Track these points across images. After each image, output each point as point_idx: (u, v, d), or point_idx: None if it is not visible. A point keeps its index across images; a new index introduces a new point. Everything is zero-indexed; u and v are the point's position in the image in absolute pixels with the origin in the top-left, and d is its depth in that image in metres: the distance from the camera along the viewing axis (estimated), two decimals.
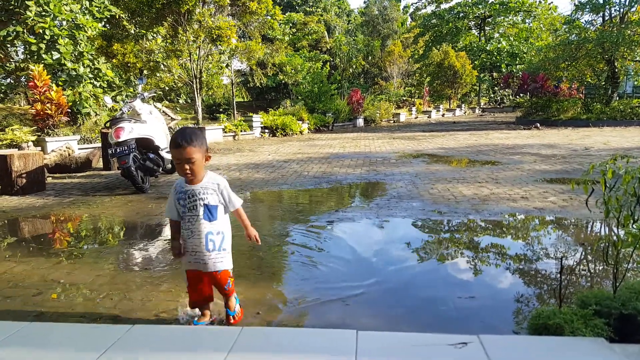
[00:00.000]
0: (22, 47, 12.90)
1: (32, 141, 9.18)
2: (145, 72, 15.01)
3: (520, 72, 27.51)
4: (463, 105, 34.66)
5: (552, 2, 36.91)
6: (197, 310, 2.48)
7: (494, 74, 38.10)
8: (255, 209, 5.24)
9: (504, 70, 35.41)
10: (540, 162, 8.02)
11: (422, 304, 2.66)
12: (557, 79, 20.45)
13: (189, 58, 14.83)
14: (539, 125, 16.42)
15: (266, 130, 15.65)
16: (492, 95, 37.40)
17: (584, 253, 3.51)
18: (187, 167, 2.22)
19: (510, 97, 30.14)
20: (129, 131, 6.00)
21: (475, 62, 34.43)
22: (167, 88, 19.89)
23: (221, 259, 2.32)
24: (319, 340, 1.98)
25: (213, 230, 2.30)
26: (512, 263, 3.30)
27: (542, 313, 2.18)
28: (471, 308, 2.57)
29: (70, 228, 4.76)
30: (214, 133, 13.60)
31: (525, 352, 1.84)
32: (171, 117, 20.00)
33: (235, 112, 19.59)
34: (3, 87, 14.13)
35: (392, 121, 23.93)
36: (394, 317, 2.49)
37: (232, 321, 2.40)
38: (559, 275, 2.61)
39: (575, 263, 3.28)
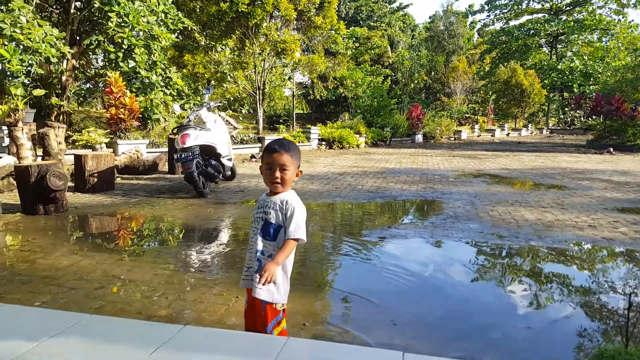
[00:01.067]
0: (102, 55, 13.91)
1: (105, 143, 9.81)
2: (212, 82, 15.68)
3: (593, 93, 26.01)
4: (530, 125, 33.12)
5: (633, 21, 34.73)
6: None
7: (565, 94, 36.22)
8: (308, 220, 5.26)
9: (575, 91, 33.63)
10: (611, 189, 7.50)
11: (474, 331, 2.54)
12: (635, 101, 19.13)
13: (253, 70, 15.33)
14: (612, 150, 15.37)
15: (323, 143, 15.79)
16: (561, 117, 35.46)
17: None
18: (277, 174, 2.03)
19: (582, 119, 28.51)
20: (194, 138, 6.27)
21: (545, 81, 32.91)
22: (231, 98, 20.63)
23: (267, 289, 1.99)
24: (363, 358, 1.94)
25: (266, 250, 2.05)
26: (575, 295, 3.09)
27: (605, 352, 2.01)
28: (528, 340, 2.43)
29: (134, 227, 5.02)
30: None
31: None
32: (234, 126, 20.70)
33: (295, 123, 19.95)
34: (83, 92, 15.28)
35: (452, 138, 23.35)
36: (444, 342, 2.41)
37: None
38: (626, 311, 2.41)
39: None
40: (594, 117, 19.69)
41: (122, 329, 2.22)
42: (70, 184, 6.68)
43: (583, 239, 4.44)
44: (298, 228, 2.03)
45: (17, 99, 8.24)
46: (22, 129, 7.19)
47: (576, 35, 36.33)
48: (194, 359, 1.91)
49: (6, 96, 9.82)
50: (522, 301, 3.00)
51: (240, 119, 22.98)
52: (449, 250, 4.10)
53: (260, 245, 2.05)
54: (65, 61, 12.20)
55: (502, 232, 4.66)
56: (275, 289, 2.03)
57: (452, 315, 2.77)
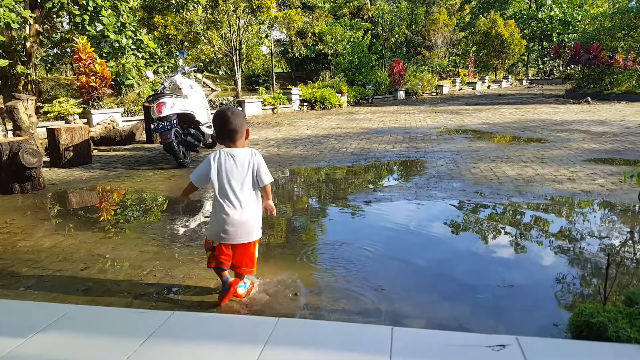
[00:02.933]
0: (67, 18, 13.25)
1: (77, 114, 9.50)
2: (185, 44, 15.15)
3: (572, 42, 25.95)
4: (510, 76, 33.10)
5: None
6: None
7: (544, 44, 36.04)
8: (292, 187, 5.26)
9: (555, 40, 33.50)
10: (589, 140, 7.62)
11: (459, 291, 2.61)
12: (612, 49, 19.15)
13: (228, 29, 14.83)
14: (590, 99, 15.51)
15: (305, 103, 15.57)
16: (541, 67, 35.45)
17: (633, 244, 3.33)
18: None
19: (561, 68, 28.54)
20: (170, 106, 6.09)
21: (525, 31, 32.65)
22: (207, 60, 20.04)
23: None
24: (354, 335, 1.97)
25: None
26: (555, 252, 3.17)
27: (584, 310, 2.09)
28: (510, 298, 2.51)
29: (115, 202, 4.94)
30: (253, 106, 13.65)
31: (566, 359, 1.76)
32: (211, 89, 20.22)
33: (275, 83, 19.55)
34: (50, 58, 14.66)
35: (434, 93, 23.26)
36: (430, 304, 2.46)
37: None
38: (604, 268, 2.49)
39: (623, 255, 3.12)
40: (572, 66, 19.72)
41: (111, 319, 2.21)
42: (45, 159, 6.49)
43: (562, 193, 4.54)
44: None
45: None
46: None
47: None
48: (185, 347, 1.91)
49: None
50: (504, 259, 3.08)
51: (218, 80, 22.43)
52: (433, 212, 4.15)
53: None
54: (27, 26, 11.61)
55: (484, 189, 4.73)
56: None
57: (437, 276, 2.83)
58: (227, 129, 2.43)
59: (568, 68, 20.74)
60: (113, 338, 2.00)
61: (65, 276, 2.91)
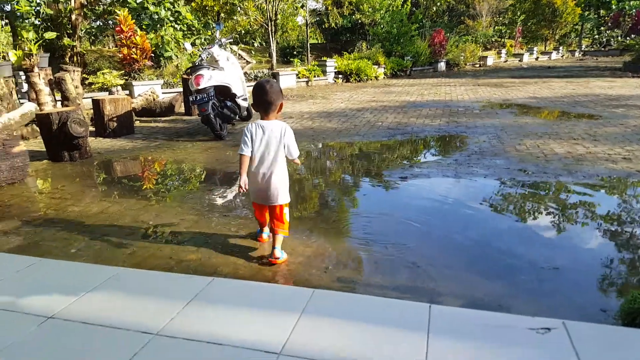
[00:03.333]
0: None
1: (120, 85, 9.73)
2: (222, 15, 15.12)
3: (634, 10, 24.08)
4: (561, 47, 31.16)
5: None
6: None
7: (601, 12, 33.54)
8: (326, 161, 5.24)
9: (613, 8, 31.15)
10: None
11: (499, 272, 2.55)
12: None
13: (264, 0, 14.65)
14: None
15: (340, 76, 15.34)
16: (596, 37, 33.07)
17: None
18: None
19: (619, 38, 26.56)
20: (207, 78, 6.13)
21: None
22: (242, 31, 19.98)
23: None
24: (390, 310, 1.96)
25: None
26: (605, 235, 3.03)
27: (638, 297, 1.99)
28: (554, 280, 2.42)
29: (157, 172, 5.07)
30: (287, 78, 13.57)
31: (616, 347, 1.68)
32: (247, 61, 20.21)
33: (309, 54, 19.31)
34: (94, 30, 14.98)
35: (478, 65, 22.38)
36: (468, 283, 2.41)
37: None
38: None
39: None
40: (633, 36, 18.25)
41: (156, 282, 2.31)
42: (90, 128, 6.72)
43: (616, 173, 4.29)
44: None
45: (30, 43, 8.11)
46: (39, 74, 7.13)
47: None
48: (225, 312, 1.97)
49: (20, 40, 9.68)
50: (549, 240, 2.97)
51: (253, 52, 22.38)
52: (474, 189, 4.03)
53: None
54: None
55: (529, 167, 4.55)
56: None
57: (477, 256, 2.76)
58: (262, 101, 2.61)
59: (627, 38, 19.23)
60: (158, 300, 2.10)
61: (112, 240, 3.04)
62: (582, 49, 31.94)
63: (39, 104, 7.08)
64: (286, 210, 2.73)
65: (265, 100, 2.59)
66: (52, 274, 2.47)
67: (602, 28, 32.58)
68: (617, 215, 3.37)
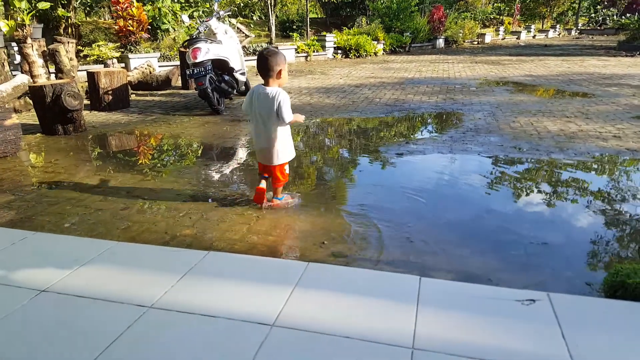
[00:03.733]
0: None
1: (116, 58, 9.60)
2: None
3: None
4: (558, 25, 30.97)
5: None
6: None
7: None
8: (324, 137, 5.24)
9: None
10: None
11: (490, 247, 2.60)
12: None
13: None
14: None
15: (339, 51, 15.17)
16: (592, 15, 32.92)
17: None
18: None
19: (615, 17, 26.44)
20: (205, 52, 6.06)
21: None
22: (241, 4, 19.61)
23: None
24: (381, 283, 2.01)
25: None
26: (593, 212, 3.08)
27: (621, 270, 2.05)
28: (543, 255, 2.48)
29: (153, 146, 5.06)
30: (286, 53, 13.40)
31: (597, 317, 1.74)
32: (245, 34, 19.91)
33: (309, 29, 19.03)
34: (89, 1, 14.67)
35: (476, 42, 22.15)
36: (459, 258, 2.47)
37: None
38: None
39: None
40: (628, 15, 18.20)
41: (150, 256, 2.33)
42: (85, 102, 6.66)
43: (607, 151, 4.35)
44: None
45: (23, 14, 7.96)
46: (32, 46, 7.03)
47: None
48: (219, 285, 2.01)
49: (12, 10, 9.49)
50: (539, 216, 3.02)
51: (252, 26, 22.03)
52: (467, 166, 4.07)
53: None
54: None
55: (522, 145, 4.58)
56: None
57: (468, 231, 2.81)
58: (260, 67, 2.85)
59: (623, 17, 19.13)
60: (152, 273, 2.12)
61: (106, 215, 3.06)
62: (579, 27, 31.66)
63: (32, 76, 7.01)
64: (285, 168, 3.06)
65: (262, 66, 2.83)
66: (45, 247, 2.48)
67: (598, 7, 32.26)
68: (605, 192, 3.42)
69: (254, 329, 1.71)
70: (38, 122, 5.48)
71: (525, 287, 2.09)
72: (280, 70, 2.83)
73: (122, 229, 2.84)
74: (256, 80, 9.67)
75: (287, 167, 3.10)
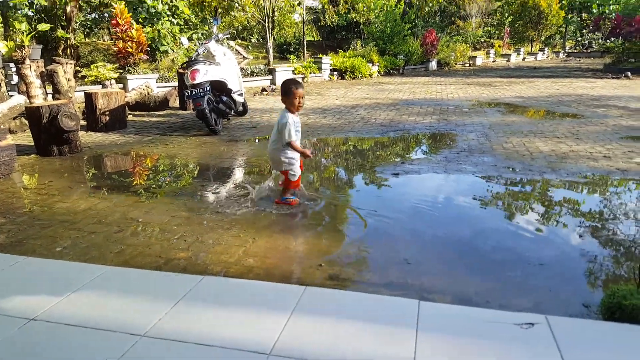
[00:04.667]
0: None
1: (114, 78, 9.66)
2: (220, 11, 15.04)
3: (613, 14, 24.57)
4: (546, 49, 31.66)
5: None
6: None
7: (584, 15, 34.25)
8: (320, 157, 5.25)
9: (595, 12, 31.77)
10: (627, 116, 7.30)
11: (487, 268, 2.59)
12: None
13: None
14: (629, 74, 14.70)
15: (335, 73, 15.35)
16: (579, 39, 33.77)
17: None
18: (303, 102, 3.48)
19: (600, 41, 27.13)
20: (204, 73, 6.12)
21: (563, 2, 31.05)
22: (240, 27, 19.89)
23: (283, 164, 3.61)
24: (380, 307, 1.99)
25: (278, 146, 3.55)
26: (588, 232, 3.09)
27: (617, 292, 2.04)
28: (540, 276, 2.47)
29: (148, 167, 5.06)
30: (283, 75, 13.55)
31: (595, 340, 1.73)
32: (243, 56, 20.12)
33: (305, 51, 19.28)
34: (89, 22, 14.85)
35: (467, 64, 22.52)
36: (457, 280, 2.45)
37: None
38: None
39: None
40: (612, 39, 18.69)
41: (144, 281, 2.29)
42: (82, 122, 6.67)
43: (597, 171, 4.40)
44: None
45: (23, 35, 8.02)
46: (30, 66, 7.07)
47: None
48: (214, 312, 1.98)
49: (11, 31, 9.56)
50: (535, 237, 3.02)
51: (250, 48, 22.30)
52: (462, 186, 4.09)
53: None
54: None
55: (515, 165, 4.62)
56: None
57: (465, 252, 2.80)
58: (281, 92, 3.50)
59: (608, 41, 19.64)
60: (146, 300, 2.08)
61: (99, 238, 3.02)
62: (566, 50, 32.45)
63: (29, 97, 7.03)
64: (289, 177, 3.53)
65: (280, 92, 3.50)
66: (36, 273, 2.42)
67: (584, 31, 33.22)
68: (599, 212, 3.44)
69: (250, 358, 1.68)
70: (33, 143, 5.47)
71: (523, 309, 2.08)
72: (285, 99, 3.44)
73: (116, 252, 2.81)
74: (252, 101, 9.76)
75: (290, 177, 3.55)
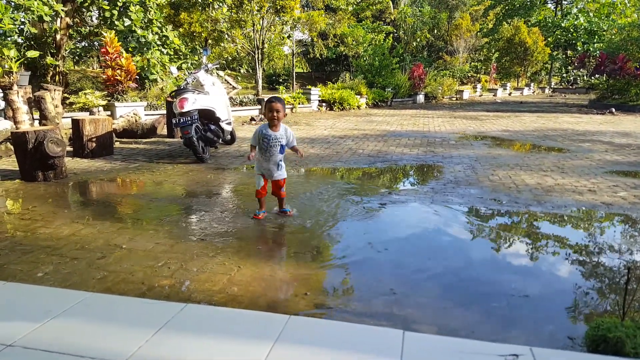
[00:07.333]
0: (97, 12, 13.50)
1: (102, 106, 9.67)
2: (209, 41, 15.30)
3: (597, 52, 25.61)
4: (532, 84, 32.69)
5: None
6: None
7: (569, 52, 35.58)
8: (308, 187, 5.26)
9: (579, 49, 33.05)
10: (612, 151, 7.47)
11: (472, 299, 2.58)
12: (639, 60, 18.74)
13: (252, 28, 14.93)
14: (614, 110, 15.18)
15: (324, 104, 15.58)
16: (564, 75, 34.98)
17: None
18: (275, 115, 3.74)
19: (585, 77, 28.15)
20: (192, 102, 6.17)
21: (549, 39, 32.24)
22: (229, 57, 20.19)
23: (284, 173, 4.01)
24: (365, 337, 1.97)
25: (282, 158, 3.93)
26: (572, 264, 3.11)
27: (602, 324, 2.05)
28: (524, 308, 2.47)
29: (134, 194, 5.02)
30: None
31: None
32: (233, 86, 20.37)
33: (294, 83, 19.60)
34: (78, 50, 14.96)
35: (454, 98, 23.04)
36: (442, 311, 2.44)
37: (289, 213, 4.04)
38: (624, 283, 2.43)
39: None
40: (597, 76, 19.40)
41: (125, 308, 2.24)
42: (68, 148, 6.63)
43: (582, 205, 4.45)
44: (294, 139, 4.01)
45: (11, 61, 8.05)
46: (18, 92, 7.06)
47: None
48: (196, 340, 1.93)
49: (0, 57, 9.58)
50: (520, 269, 3.03)
51: (239, 78, 22.60)
52: (448, 217, 4.10)
53: (279, 157, 3.89)
54: (58, 19, 11.85)
55: (502, 197, 4.67)
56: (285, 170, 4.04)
57: (451, 283, 2.80)
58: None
59: (592, 78, 20.41)
60: (126, 327, 2.03)
61: (82, 264, 2.96)
62: (552, 86, 33.51)
63: (16, 122, 6.99)
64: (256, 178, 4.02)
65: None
66: (15, 298, 2.37)
67: (569, 67, 34.37)
68: (583, 245, 3.47)
69: None
70: (18, 168, 5.40)
71: (508, 340, 2.07)
72: (285, 113, 3.93)
73: (98, 279, 2.75)
74: (241, 130, 9.82)
75: (257, 178, 3.98)
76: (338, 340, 1.93)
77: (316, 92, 15.51)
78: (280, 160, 3.92)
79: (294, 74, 19.80)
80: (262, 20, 14.70)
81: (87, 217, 3.99)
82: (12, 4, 9.92)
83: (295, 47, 20.31)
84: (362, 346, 1.88)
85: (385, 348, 1.85)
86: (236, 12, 14.79)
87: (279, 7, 14.17)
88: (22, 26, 11.30)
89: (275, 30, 17.00)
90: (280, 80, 22.42)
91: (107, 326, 2.05)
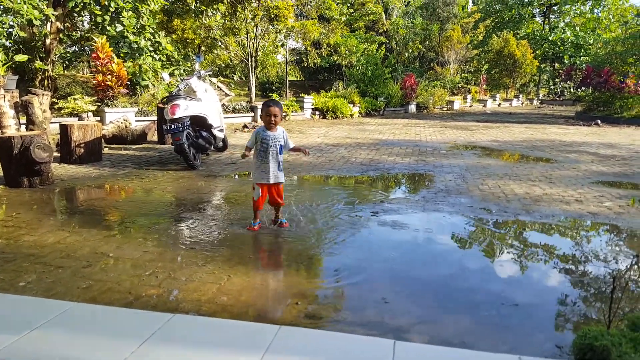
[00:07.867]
0: (88, 17, 13.45)
1: (91, 111, 9.59)
2: (202, 48, 15.28)
3: (584, 65, 26.12)
4: (521, 95, 33.16)
5: None
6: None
7: (556, 65, 36.25)
8: (301, 195, 5.24)
9: (566, 62, 33.69)
10: (598, 162, 7.56)
11: (462, 308, 2.57)
12: (624, 74, 19.11)
13: (245, 36, 14.94)
14: (599, 122, 15.40)
15: (317, 112, 15.61)
16: (552, 87, 35.60)
17: (639, 268, 3.27)
18: (273, 119, 3.73)
19: (571, 90, 28.66)
20: (184, 108, 6.13)
21: (537, 52, 32.81)
22: (222, 65, 20.19)
23: (282, 176, 3.91)
24: (356, 347, 1.94)
25: (280, 159, 3.86)
26: (560, 273, 3.12)
27: (588, 333, 2.04)
28: (513, 317, 2.47)
29: (122, 201, 4.95)
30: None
31: None
32: (225, 93, 20.36)
33: (288, 91, 19.63)
34: (69, 55, 14.86)
35: (445, 108, 23.23)
36: (432, 320, 2.43)
37: (285, 224, 3.93)
38: (610, 292, 2.44)
39: (629, 279, 3.06)
40: (583, 88, 19.74)
41: (111, 319, 2.19)
42: (56, 154, 6.54)
43: (570, 214, 4.48)
44: (291, 142, 3.98)
45: None
46: (4, 96, 6.96)
47: (569, 6, 36.23)
48: (183, 351, 1.89)
49: None
50: (509, 278, 3.03)
51: (232, 85, 22.60)
52: (439, 226, 4.11)
53: (280, 157, 3.84)
54: (49, 23, 11.78)
55: (491, 206, 4.68)
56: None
57: (441, 292, 2.79)
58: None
59: (579, 90, 20.77)
60: (112, 338, 1.98)
61: (66, 273, 2.90)
62: (540, 97, 34.07)
63: (1, 127, 6.89)
64: (254, 188, 3.90)
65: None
66: None
67: (556, 79, 34.98)
68: (571, 255, 3.49)
69: None
70: (2, 174, 5.31)
71: (498, 349, 2.06)
72: (283, 116, 3.86)
73: (83, 288, 2.69)
74: (233, 137, 9.78)
75: (255, 189, 3.85)
76: (329, 351, 1.90)
77: (309, 100, 15.54)
78: (281, 161, 3.85)
79: (288, 82, 19.83)
80: (256, 28, 14.72)
81: (73, 225, 3.92)
82: (1, 7, 9.84)
83: (288, 56, 20.36)
84: (353, 356, 1.86)
85: (376, 358, 1.83)
86: (230, 20, 14.80)
87: (272, 15, 14.20)
88: (10, 29, 11.21)
89: (269, 39, 17.05)
90: (274, 88, 22.46)
91: (92, 337, 2.00)
